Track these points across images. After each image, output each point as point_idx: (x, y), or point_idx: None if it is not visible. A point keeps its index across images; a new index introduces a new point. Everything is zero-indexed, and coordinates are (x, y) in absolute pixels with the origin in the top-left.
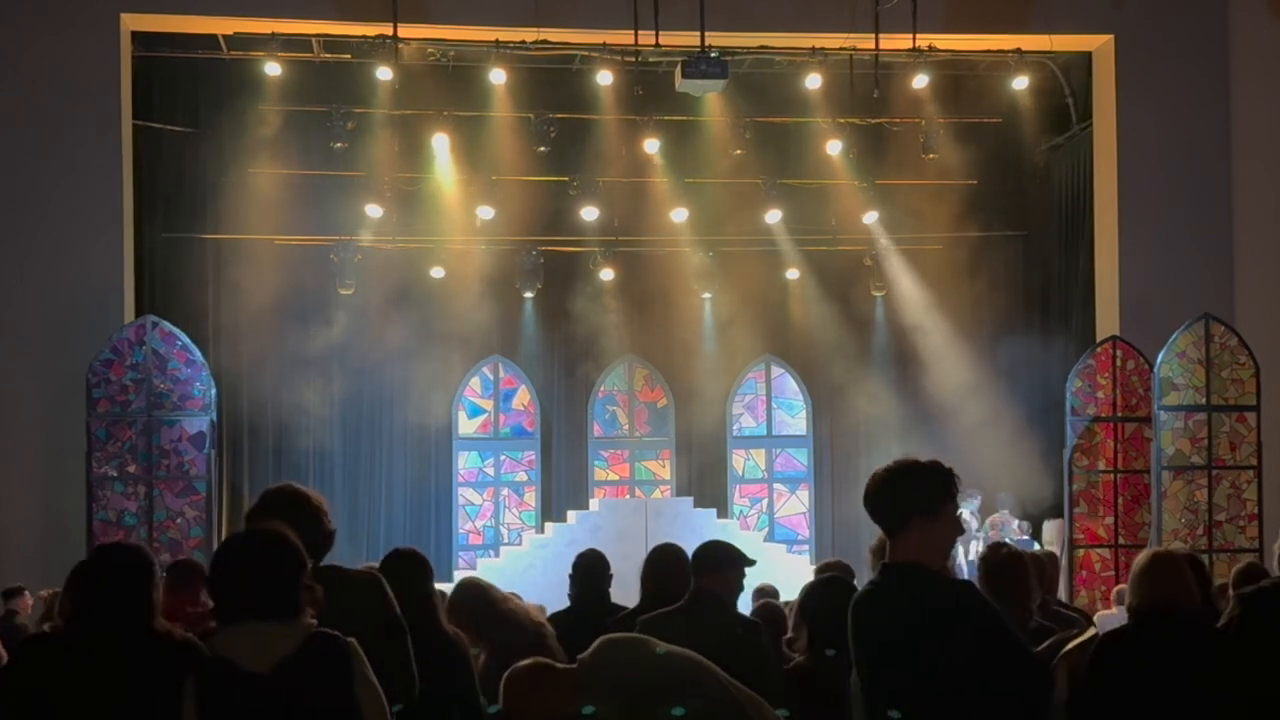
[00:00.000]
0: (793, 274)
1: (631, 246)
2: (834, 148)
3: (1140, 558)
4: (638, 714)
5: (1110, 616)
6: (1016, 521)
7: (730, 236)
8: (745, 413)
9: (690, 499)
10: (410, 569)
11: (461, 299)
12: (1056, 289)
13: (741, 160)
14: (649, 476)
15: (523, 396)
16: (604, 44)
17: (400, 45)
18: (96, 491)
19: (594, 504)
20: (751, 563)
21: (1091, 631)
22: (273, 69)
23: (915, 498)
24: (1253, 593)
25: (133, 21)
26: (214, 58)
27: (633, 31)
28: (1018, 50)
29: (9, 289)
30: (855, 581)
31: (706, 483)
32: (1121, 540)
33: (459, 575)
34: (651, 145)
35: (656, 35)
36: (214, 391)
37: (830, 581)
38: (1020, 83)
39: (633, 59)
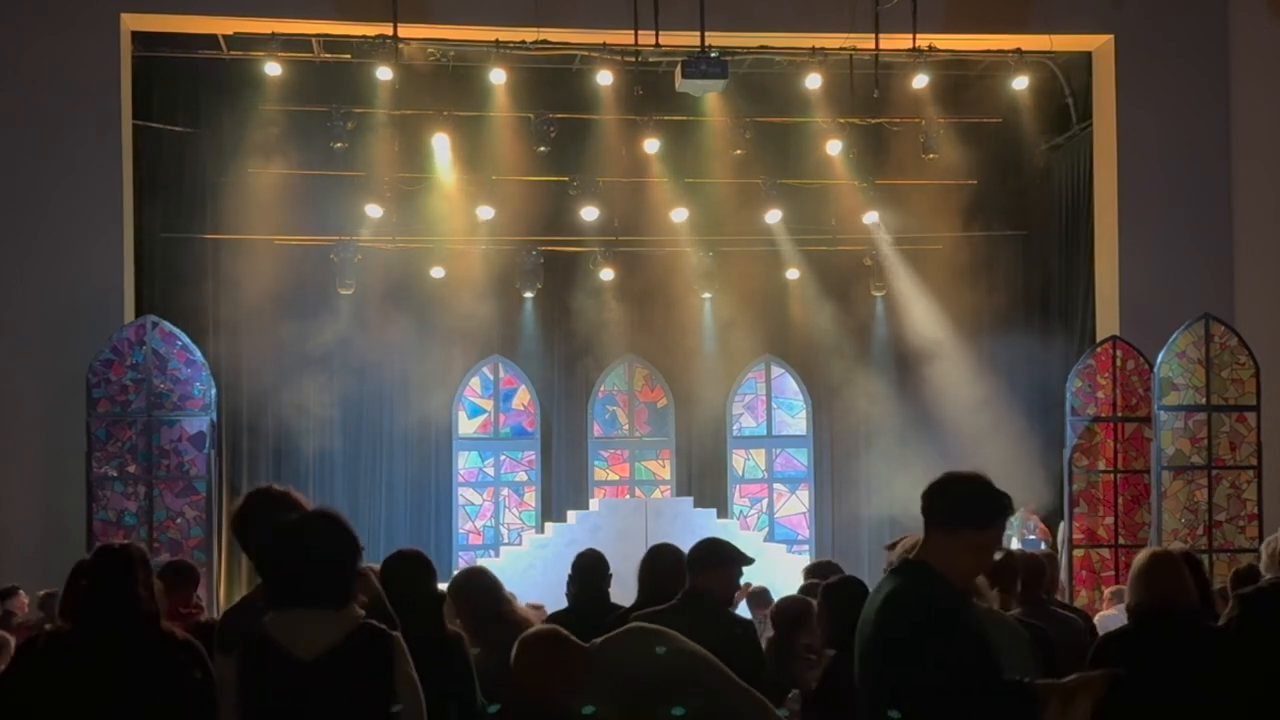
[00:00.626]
0: (793, 274)
1: (631, 246)
2: (834, 148)
3: (1140, 558)
4: (638, 714)
5: (1110, 617)
6: (1032, 521)
7: (730, 236)
8: (745, 413)
9: (690, 499)
10: (413, 569)
11: (461, 299)
12: (1056, 289)
13: (741, 160)
14: (649, 476)
15: (523, 396)
16: (604, 44)
17: (400, 45)
18: (96, 491)
19: (594, 504)
20: (749, 561)
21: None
22: (273, 69)
23: (937, 507)
24: (1252, 593)
25: (133, 21)
26: (214, 58)
27: (633, 31)
28: (1018, 50)
29: (9, 289)
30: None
31: (706, 483)
32: (1121, 540)
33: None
34: (651, 145)
35: (656, 35)
36: (214, 391)
37: (846, 581)
38: (1020, 83)
39: (633, 59)
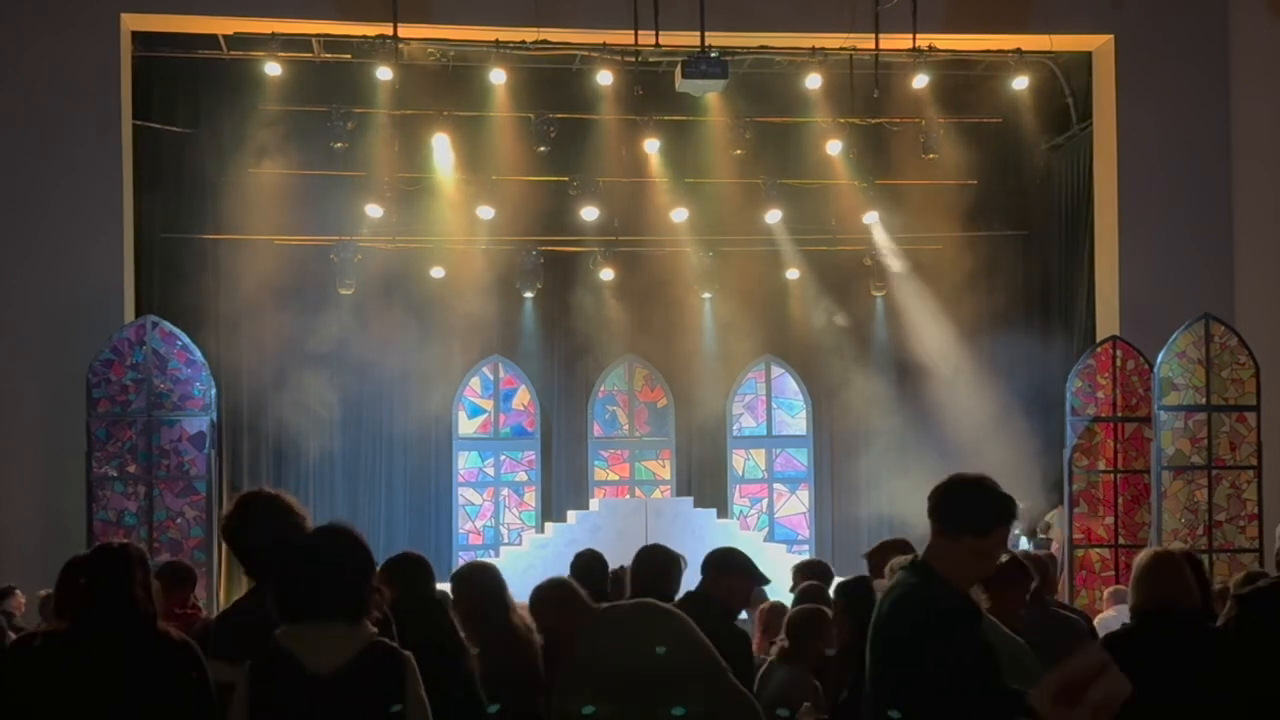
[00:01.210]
0: (793, 274)
1: (631, 246)
2: (834, 148)
3: (1141, 558)
4: (638, 714)
5: (1110, 618)
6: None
7: (730, 236)
8: (745, 413)
9: (690, 499)
10: (413, 571)
11: (461, 299)
12: (1056, 289)
13: (741, 160)
14: (649, 476)
15: (523, 396)
16: (604, 44)
17: (400, 45)
18: (96, 491)
19: (594, 504)
20: (764, 580)
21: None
22: (273, 69)
23: (940, 511)
24: (1250, 593)
25: (133, 21)
26: (214, 58)
27: (633, 31)
28: (1018, 50)
29: (9, 289)
30: (831, 585)
31: (706, 483)
32: (1121, 540)
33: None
34: (651, 145)
35: (656, 35)
36: (214, 391)
37: (859, 582)
38: (1020, 83)
39: (633, 59)
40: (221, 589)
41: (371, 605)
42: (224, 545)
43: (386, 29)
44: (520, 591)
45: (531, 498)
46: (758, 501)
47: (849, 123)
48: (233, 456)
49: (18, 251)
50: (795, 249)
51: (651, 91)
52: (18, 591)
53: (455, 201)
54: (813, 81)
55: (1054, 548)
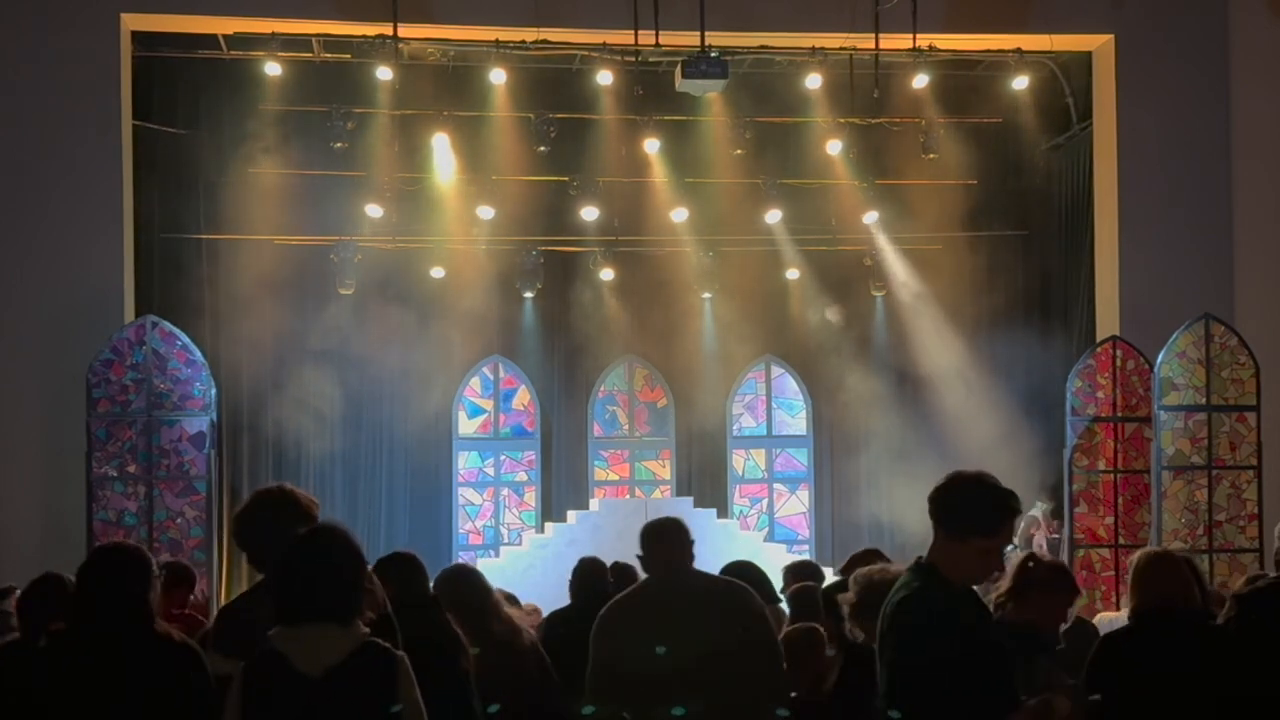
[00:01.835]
0: (793, 274)
1: (631, 246)
2: (834, 148)
3: (1140, 558)
4: (638, 714)
5: (1115, 619)
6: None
7: (730, 236)
8: (745, 413)
9: (690, 499)
10: (406, 570)
11: (461, 299)
12: (1056, 289)
13: (741, 160)
14: (649, 476)
15: (523, 396)
16: (604, 44)
17: (400, 45)
18: (96, 491)
19: (594, 504)
20: (775, 599)
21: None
22: (273, 69)
23: (943, 513)
24: (1250, 593)
25: (133, 21)
26: (214, 58)
27: (633, 31)
28: (1018, 50)
29: (9, 289)
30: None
31: (706, 483)
32: (1121, 540)
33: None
34: (651, 145)
35: (656, 35)
36: (214, 391)
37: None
38: (1020, 83)
39: (633, 59)
40: (222, 588)
41: (365, 606)
42: (224, 545)
43: (386, 29)
44: (521, 591)
45: (531, 498)
46: (758, 501)
47: (849, 123)
48: (233, 456)
49: (18, 251)
50: (795, 249)
51: (651, 91)
52: (18, 591)
53: (455, 201)
54: (813, 81)
55: (1035, 545)
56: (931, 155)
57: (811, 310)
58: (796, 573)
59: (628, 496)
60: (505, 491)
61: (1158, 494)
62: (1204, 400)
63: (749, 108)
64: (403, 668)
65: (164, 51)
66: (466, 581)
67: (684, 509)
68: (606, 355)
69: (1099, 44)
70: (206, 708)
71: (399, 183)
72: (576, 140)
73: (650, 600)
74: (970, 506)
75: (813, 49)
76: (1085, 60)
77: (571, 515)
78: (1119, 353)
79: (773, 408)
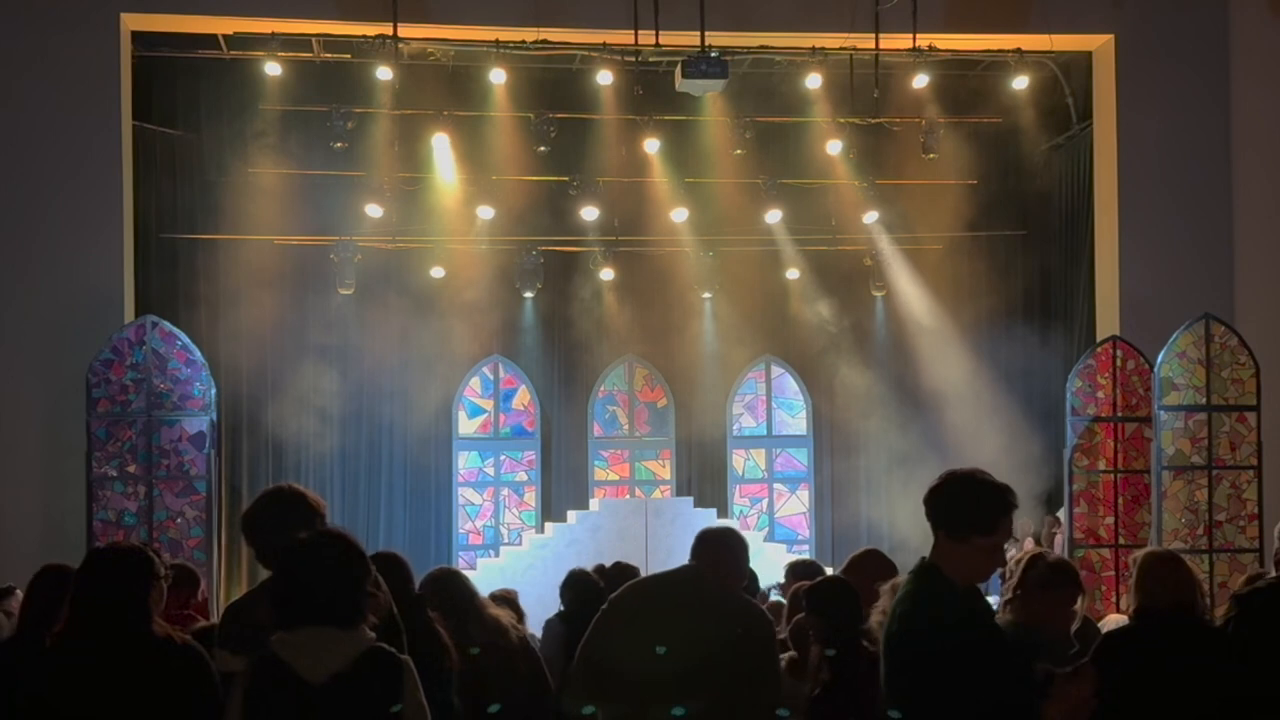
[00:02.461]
0: (793, 274)
1: (631, 246)
2: (834, 148)
3: (1142, 558)
4: (638, 714)
5: (1119, 620)
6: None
7: (730, 236)
8: (745, 413)
9: (690, 499)
10: (392, 570)
11: (461, 299)
12: (1057, 289)
13: (741, 160)
14: (649, 476)
15: (523, 396)
16: (604, 44)
17: (400, 45)
18: (96, 491)
19: (594, 504)
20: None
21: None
22: (273, 69)
23: (942, 514)
24: (1250, 593)
25: (133, 21)
26: (214, 58)
27: (633, 31)
28: (1018, 50)
29: (9, 289)
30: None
31: (706, 483)
32: (1121, 540)
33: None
34: (651, 145)
35: (656, 35)
36: (214, 391)
37: (830, 583)
38: (1020, 83)
39: (633, 59)
40: (222, 588)
41: (368, 610)
42: (224, 545)
43: (386, 29)
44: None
45: (531, 498)
46: (758, 501)
47: (849, 123)
48: (233, 456)
49: (18, 251)
50: (795, 249)
51: (651, 91)
52: (18, 591)
53: (455, 201)
54: (813, 81)
55: (1028, 545)
56: (931, 155)
57: (812, 310)
58: (799, 572)
59: (628, 496)
60: (505, 491)
61: (1158, 494)
62: (1204, 400)
63: (749, 108)
64: (408, 672)
65: (164, 51)
66: (452, 583)
67: (684, 509)
68: (606, 355)
69: (1099, 44)
70: (209, 711)
71: (399, 182)
72: (576, 140)
73: (650, 598)
74: (966, 506)
75: (813, 49)
76: (1085, 60)
77: (571, 515)
78: (1119, 353)
79: (773, 408)
